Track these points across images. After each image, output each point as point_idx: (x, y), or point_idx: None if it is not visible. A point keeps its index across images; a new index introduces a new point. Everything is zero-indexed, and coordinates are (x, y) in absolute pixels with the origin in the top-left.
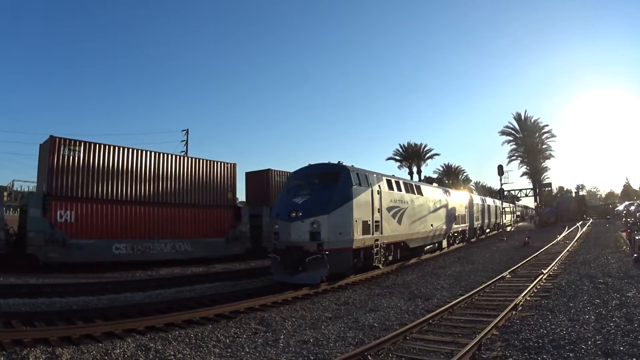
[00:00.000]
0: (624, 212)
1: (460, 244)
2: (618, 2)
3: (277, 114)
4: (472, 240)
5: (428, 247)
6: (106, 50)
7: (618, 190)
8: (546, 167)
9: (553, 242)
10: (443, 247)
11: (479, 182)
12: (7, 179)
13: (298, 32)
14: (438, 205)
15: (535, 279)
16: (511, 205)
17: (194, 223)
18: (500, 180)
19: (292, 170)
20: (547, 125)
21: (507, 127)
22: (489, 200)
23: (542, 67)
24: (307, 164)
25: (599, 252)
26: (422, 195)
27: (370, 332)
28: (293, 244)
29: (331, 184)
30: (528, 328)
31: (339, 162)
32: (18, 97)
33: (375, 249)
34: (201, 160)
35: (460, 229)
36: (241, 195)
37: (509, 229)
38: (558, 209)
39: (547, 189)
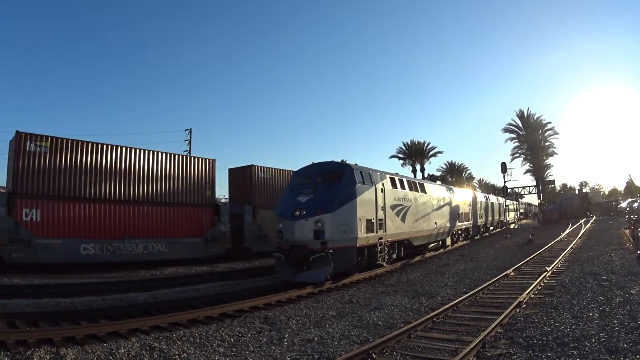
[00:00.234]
0: (627, 209)
1: (464, 242)
2: None
3: (278, 114)
4: (475, 238)
5: (432, 245)
6: (106, 49)
7: (621, 187)
8: (549, 164)
9: (556, 240)
10: (447, 244)
11: (482, 179)
12: None
13: (301, 30)
14: (442, 203)
15: (539, 277)
16: (514, 202)
17: (169, 222)
18: (504, 177)
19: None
20: (550, 122)
21: (510, 124)
22: (493, 198)
23: (545, 64)
24: (310, 163)
25: (602, 249)
26: (425, 193)
27: (374, 330)
28: (297, 243)
29: (335, 183)
30: (532, 326)
31: (342, 160)
32: (19, 97)
33: (379, 247)
34: (177, 156)
35: (463, 226)
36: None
37: (512, 226)
38: (561, 206)
39: (550, 186)
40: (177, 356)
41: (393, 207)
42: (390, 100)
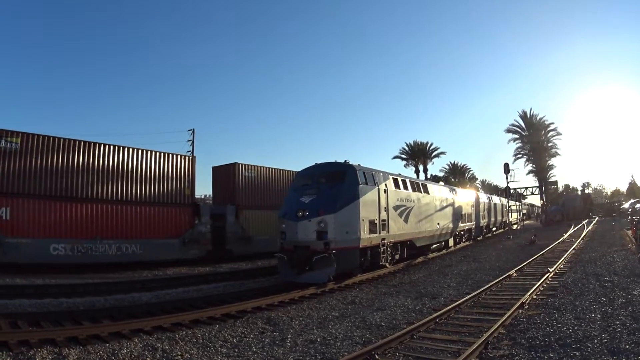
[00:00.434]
0: (630, 210)
1: (467, 243)
2: None
3: (278, 114)
4: (478, 238)
5: (435, 245)
6: (106, 49)
7: (624, 188)
8: (552, 165)
9: (559, 240)
10: (450, 245)
11: (485, 180)
12: None
13: (301, 30)
14: (444, 204)
15: (541, 278)
16: (517, 203)
17: (144, 222)
18: (507, 178)
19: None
20: (552, 123)
21: (513, 125)
22: (495, 199)
23: (546, 63)
24: (313, 164)
25: (604, 250)
26: (428, 193)
27: (377, 331)
28: (300, 243)
29: (338, 183)
30: (534, 327)
31: (345, 161)
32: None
33: (382, 248)
34: (153, 153)
35: (466, 227)
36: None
37: (515, 227)
38: (564, 207)
39: (553, 187)
40: (179, 357)
41: (396, 207)
42: (390, 100)
